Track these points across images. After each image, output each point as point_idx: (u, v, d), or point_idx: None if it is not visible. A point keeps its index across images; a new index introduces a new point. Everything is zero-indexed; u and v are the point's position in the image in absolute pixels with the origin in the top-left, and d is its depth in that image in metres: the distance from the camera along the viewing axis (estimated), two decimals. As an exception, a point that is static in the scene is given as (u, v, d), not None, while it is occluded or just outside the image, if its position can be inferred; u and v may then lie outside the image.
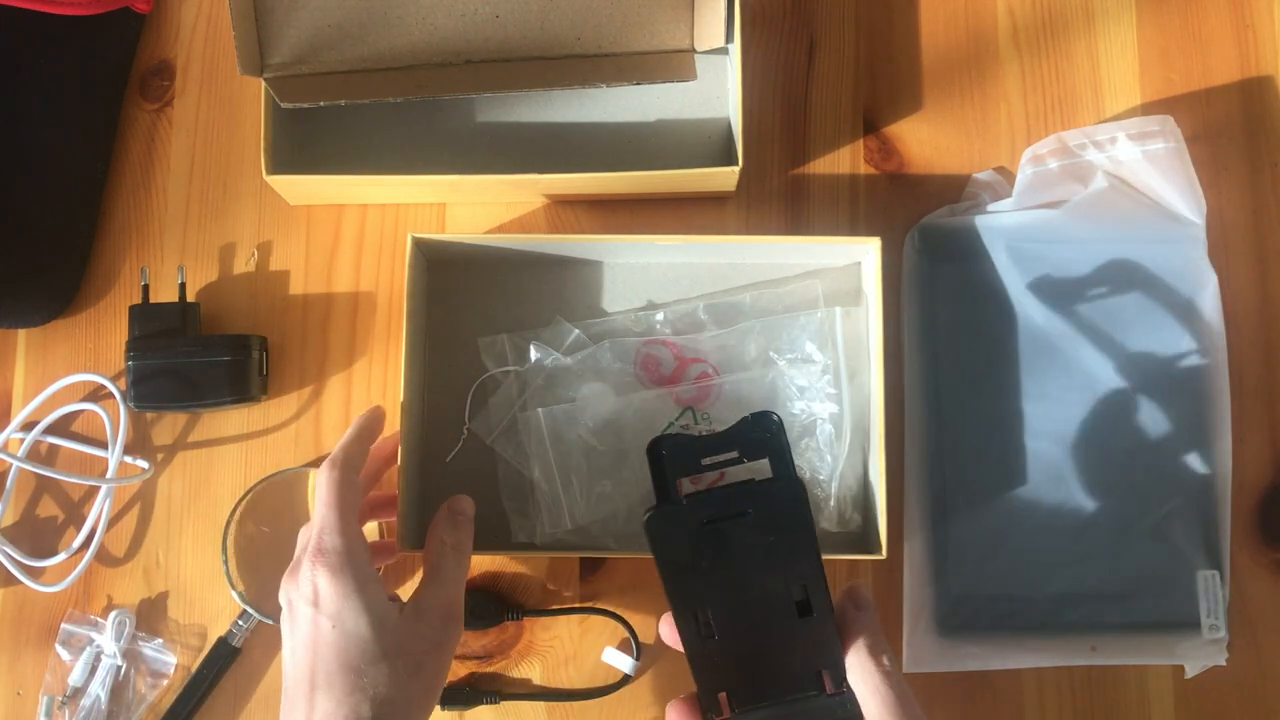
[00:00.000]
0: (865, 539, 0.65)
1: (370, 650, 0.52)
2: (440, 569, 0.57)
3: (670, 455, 0.52)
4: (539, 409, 0.66)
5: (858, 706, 0.51)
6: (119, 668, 0.66)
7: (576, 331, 0.67)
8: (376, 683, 0.52)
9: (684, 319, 0.68)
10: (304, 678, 0.53)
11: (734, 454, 0.52)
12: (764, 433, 0.52)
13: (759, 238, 0.67)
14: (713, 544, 0.51)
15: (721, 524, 0.51)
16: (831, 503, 0.66)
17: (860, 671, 0.51)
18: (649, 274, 0.69)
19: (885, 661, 0.51)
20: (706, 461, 0.52)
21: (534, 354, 0.66)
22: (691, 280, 0.69)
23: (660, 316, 0.68)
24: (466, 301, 0.69)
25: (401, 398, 0.62)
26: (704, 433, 0.62)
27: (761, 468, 0.52)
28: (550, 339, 0.67)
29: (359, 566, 0.54)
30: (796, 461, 0.64)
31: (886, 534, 0.62)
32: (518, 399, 0.67)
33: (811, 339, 0.67)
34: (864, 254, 0.66)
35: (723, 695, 0.51)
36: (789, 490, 0.51)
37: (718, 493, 0.51)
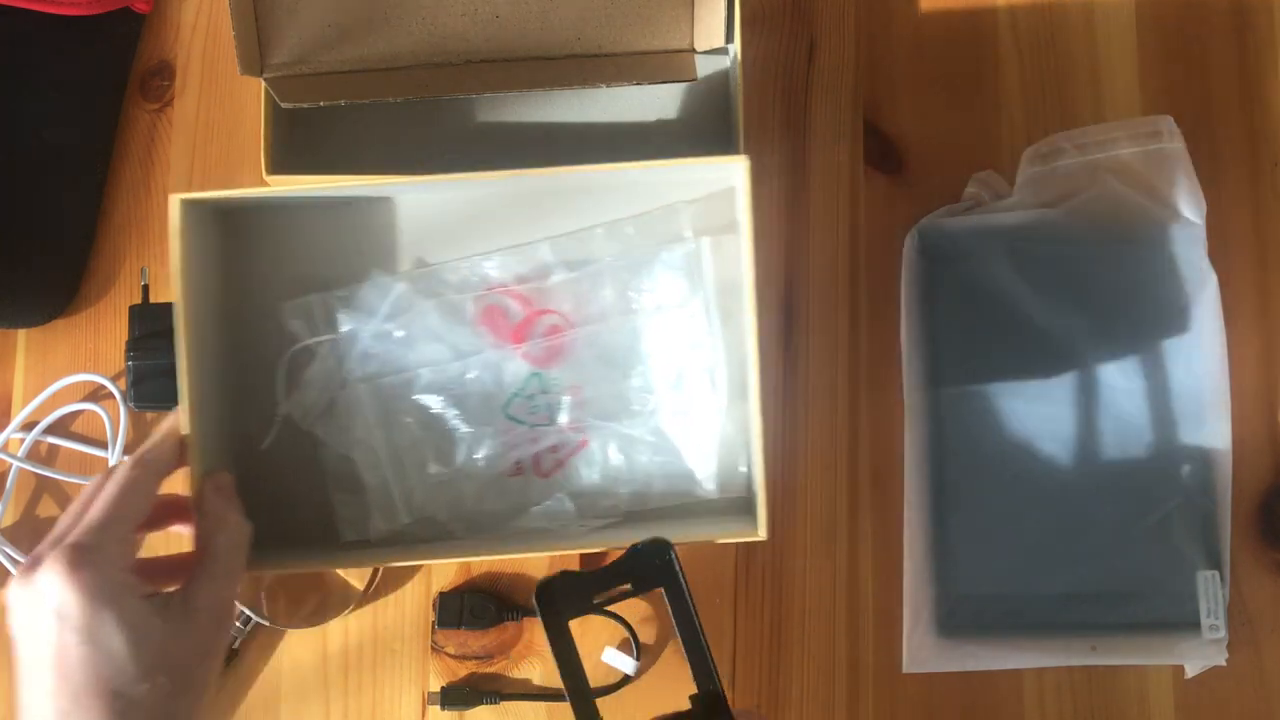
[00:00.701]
0: (751, 506, 0.59)
1: (129, 671, 0.45)
2: (213, 557, 0.51)
3: (561, 599, 0.52)
4: (360, 383, 0.58)
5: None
6: (119, 668, 0.66)
7: (400, 286, 0.59)
8: (137, 706, 0.45)
9: (527, 263, 0.59)
10: (47, 705, 0.45)
11: (627, 587, 0.53)
12: (655, 560, 0.52)
13: (598, 167, 0.57)
14: None
15: None
16: (713, 466, 0.61)
17: None
18: (482, 209, 0.61)
19: None
20: (599, 600, 0.52)
21: (343, 321, 0.58)
22: (535, 215, 0.61)
23: (494, 263, 0.59)
24: (271, 264, 0.61)
25: (183, 385, 0.55)
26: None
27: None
28: (367, 298, 0.59)
29: (113, 571, 0.47)
30: (668, 420, 0.61)
31: (766, 506, 0.56)
32: (337, 372, 0.59)
33: (678, 277, 0.59)
34: (735, 176, 0.58)
35: None
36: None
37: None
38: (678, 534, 0.54)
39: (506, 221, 0.62)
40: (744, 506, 0.62)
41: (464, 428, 0.60)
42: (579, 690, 0.52)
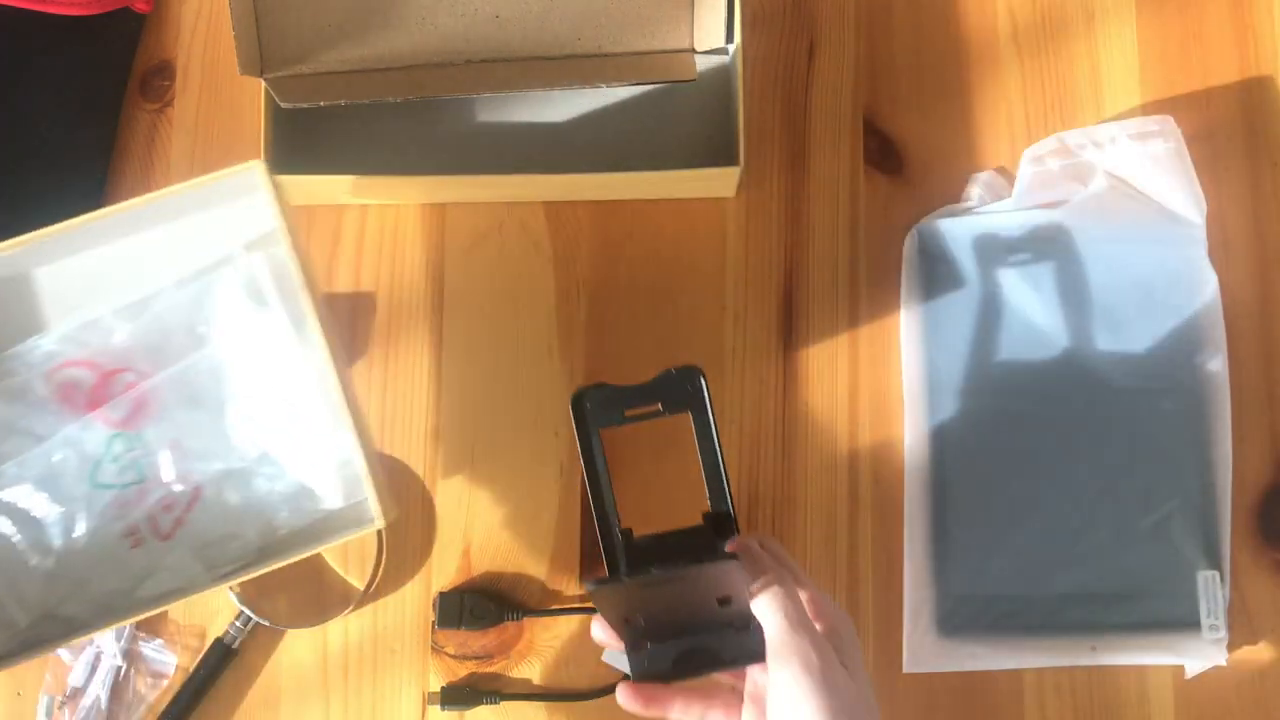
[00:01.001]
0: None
1: None
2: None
3: (593, 408, 0.55)
4: None
5: (762, 642, 0.51)
6: (119, 668, 0.66)
7: None
8: None
9: (91, 330, 0.57)
10: None
11: (657, 406, 0.55)
12: (687, 385, 0.55)
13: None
14: (648, 594, 0.52)
15: (671, 582, 0.51)
16: (333, 477, 0.59)
17: (763, 596, 0.51)
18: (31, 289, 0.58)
19: (778, 590, 0.51)
20: (630, 413, 0.55)
21: None
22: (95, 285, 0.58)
23: (53, 338, 0.56)
24: None
25: None
26: None
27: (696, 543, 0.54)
28: None
29: None
30: (277, 444, 0.60)
31: (376, 495, 0.56)
32: None
33: (242, 298, 0.57)
34: (248, 186, 0.57)
35: (647, 643, 0.53)
36: (727, 571, 0.51)
37: (657, 574, 0.51)
38: (304, 551, 0.56)
39: (62, 297, 0.59)
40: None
41: (56, 509, 0.57)
42: (600, 496, 0.55)
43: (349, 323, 0.69)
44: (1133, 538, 0.66)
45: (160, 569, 0.59)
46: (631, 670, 0.53)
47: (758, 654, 0.52)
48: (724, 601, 0.52)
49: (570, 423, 0.54)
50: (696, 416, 0.55)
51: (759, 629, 0.52)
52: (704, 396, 0.55)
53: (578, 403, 0.55)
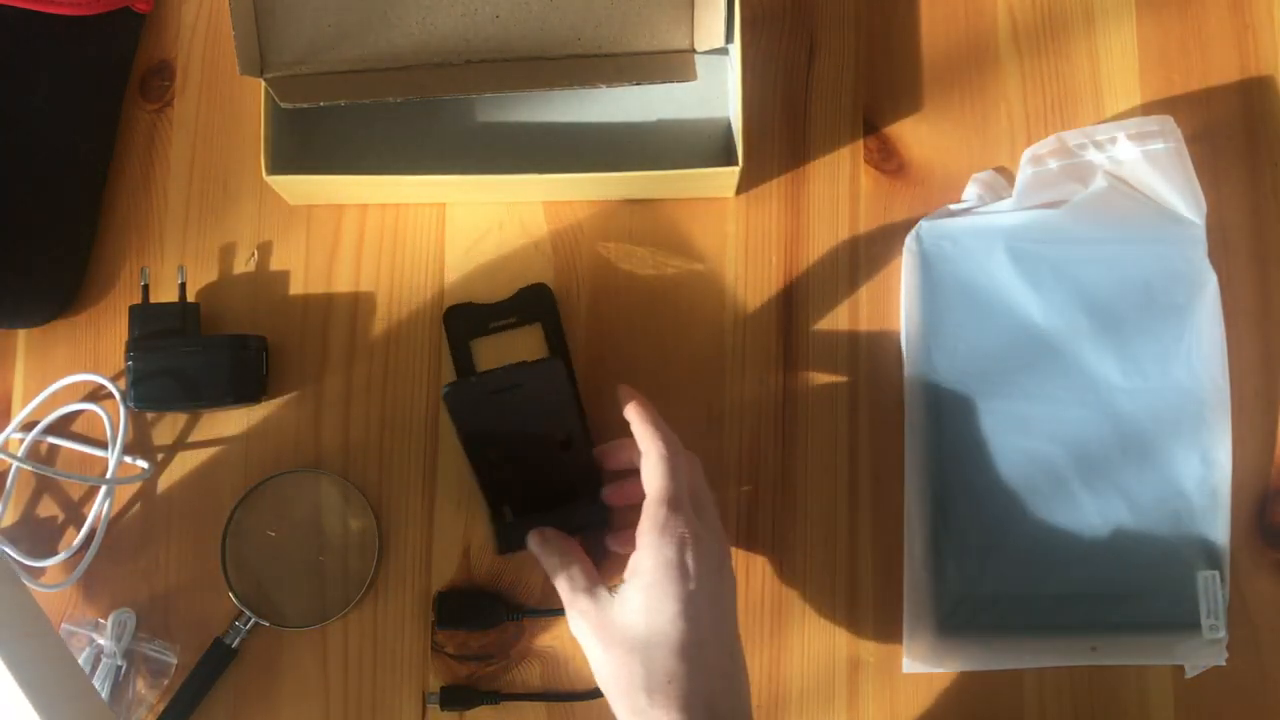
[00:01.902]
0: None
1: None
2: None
3: (462, 322, 0.68)
4: None
5: (608, 512, 0.65)
6: (119, 668, 0.66)
7: None
8: None
9: None
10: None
11: (513, 319, 0.68)
12: (539, 301, 0.68)
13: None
14: (496, 408, 0.62)
15: (502, 394, 0.62)
16: None
17: (651, 459, 0.59)
18: None
19: (661, 437, 0.59)
20: (493, 325, 0.68)
21: None
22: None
23: None
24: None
25: None
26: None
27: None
28: None
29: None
30: None
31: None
32: None
33: None
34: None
35: (506, 509, 0.65)
36: (552, 368, 0.62)
37: (499, 371, 0.62)
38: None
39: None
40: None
41: None
42: (464, 369, 0.68)
43: (349, 323, 0.69)
44: (1133, 538, 0.66)
45: None
46: (496, 545, 0.65)
47: (605, 521, 0.65)
48: (565, 446, 0.63)
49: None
50: (547, 325, 0.67)
51: (604, 508, 0.65)
52: (555, 309, 0.67)
53: (450, 317, 0.68)
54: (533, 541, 0.63)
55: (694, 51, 0.68)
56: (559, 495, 0.65)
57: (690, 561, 0.56)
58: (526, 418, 0.63)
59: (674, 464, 0.58)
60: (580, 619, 0.59)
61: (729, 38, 0.67)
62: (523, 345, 0.69)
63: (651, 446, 0.59)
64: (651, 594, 0.56)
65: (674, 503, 0.57)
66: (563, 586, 0.60)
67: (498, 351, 0.69)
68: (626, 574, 0.58)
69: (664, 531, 0.56)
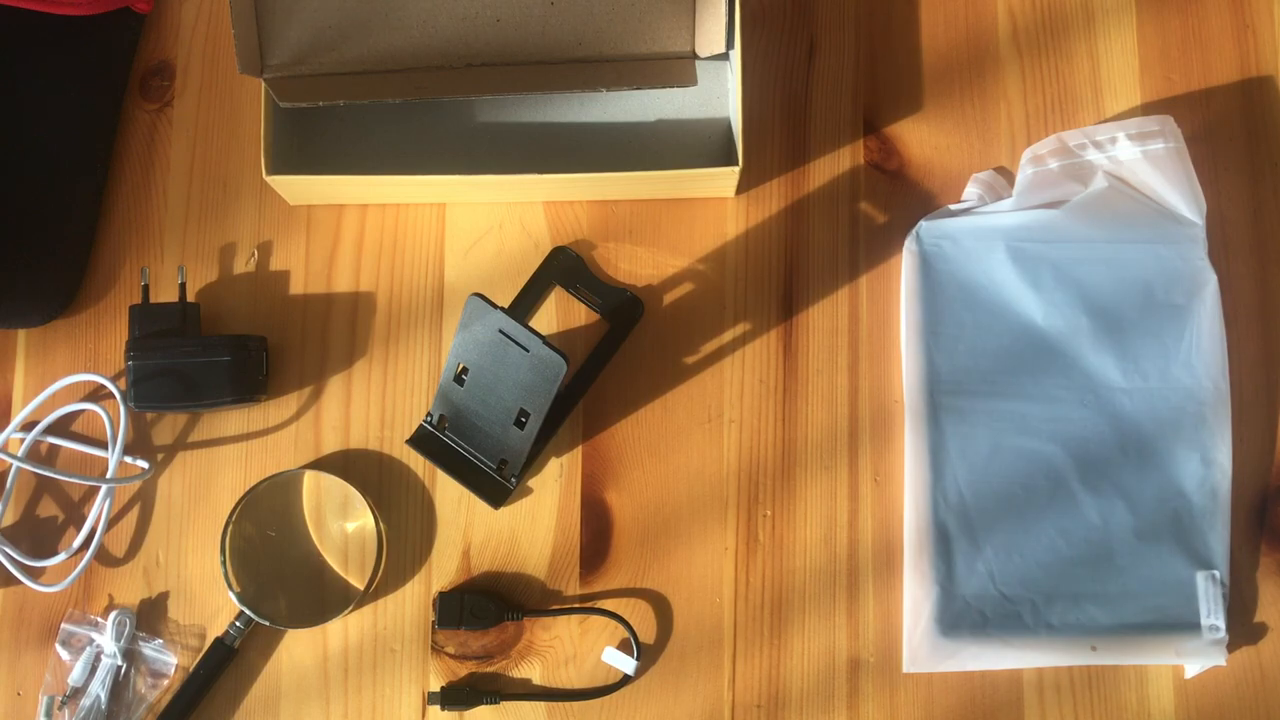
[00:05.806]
0: None
1: None
2: None
3: (559, 268, 0.69)
4: None
5: (510, 492, 0.66)
6: (119, 668, 0.66)
7: None
8: None
9: None
10: None
11: (599, 304, 0.69)
12: (627, 310, 0.69)
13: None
14: (497, 345, 0.62)
15: (509, 341, 0.62)
16: None
17: None
18: None
19: None
20: (581, 290, 0.69)
21: None
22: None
23: None
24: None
25: None
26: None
27: None
28: None
29: None
30: None
31: None
32: None
33: None
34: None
35: (442, 416, 0.66)
36: (554, 364, 0.61)
37: (523, 325, 0.62)
38: None
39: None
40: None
41: None
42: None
43: (349, 323, 0.69)
44: (1133, 538, 0.66)
45: None
46: (423, 423, 0.67)
47: (497, 504, 0.67)
48: (519, 423, 0.63)
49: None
50: (612, 333, 0.69)
51: (512, 490, 0.65)
52: (629, 327, 0.69)
53: (554, 256, 0.69)
54: None
55: (694, 57, 0.68)
56: (486, 446, 0.66)
57: None
58: (510, 373, 0.63)
59: None
60: None
61: (730, 44, 0.67)
62: (580, 328, 0.69)
63: None
64: None
65: None
66: None
67: (557, 311, 0.69)
68: None
69: None
